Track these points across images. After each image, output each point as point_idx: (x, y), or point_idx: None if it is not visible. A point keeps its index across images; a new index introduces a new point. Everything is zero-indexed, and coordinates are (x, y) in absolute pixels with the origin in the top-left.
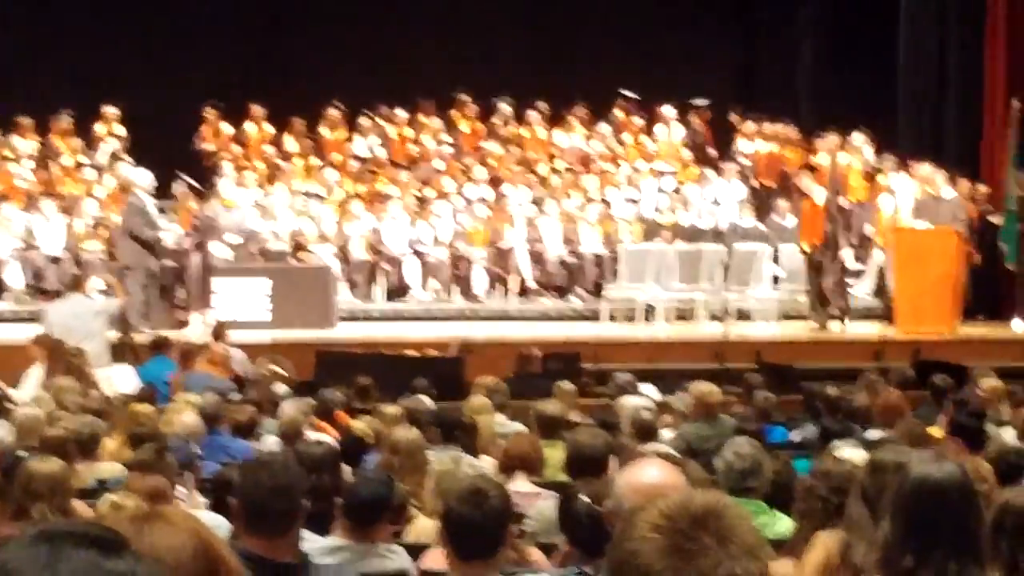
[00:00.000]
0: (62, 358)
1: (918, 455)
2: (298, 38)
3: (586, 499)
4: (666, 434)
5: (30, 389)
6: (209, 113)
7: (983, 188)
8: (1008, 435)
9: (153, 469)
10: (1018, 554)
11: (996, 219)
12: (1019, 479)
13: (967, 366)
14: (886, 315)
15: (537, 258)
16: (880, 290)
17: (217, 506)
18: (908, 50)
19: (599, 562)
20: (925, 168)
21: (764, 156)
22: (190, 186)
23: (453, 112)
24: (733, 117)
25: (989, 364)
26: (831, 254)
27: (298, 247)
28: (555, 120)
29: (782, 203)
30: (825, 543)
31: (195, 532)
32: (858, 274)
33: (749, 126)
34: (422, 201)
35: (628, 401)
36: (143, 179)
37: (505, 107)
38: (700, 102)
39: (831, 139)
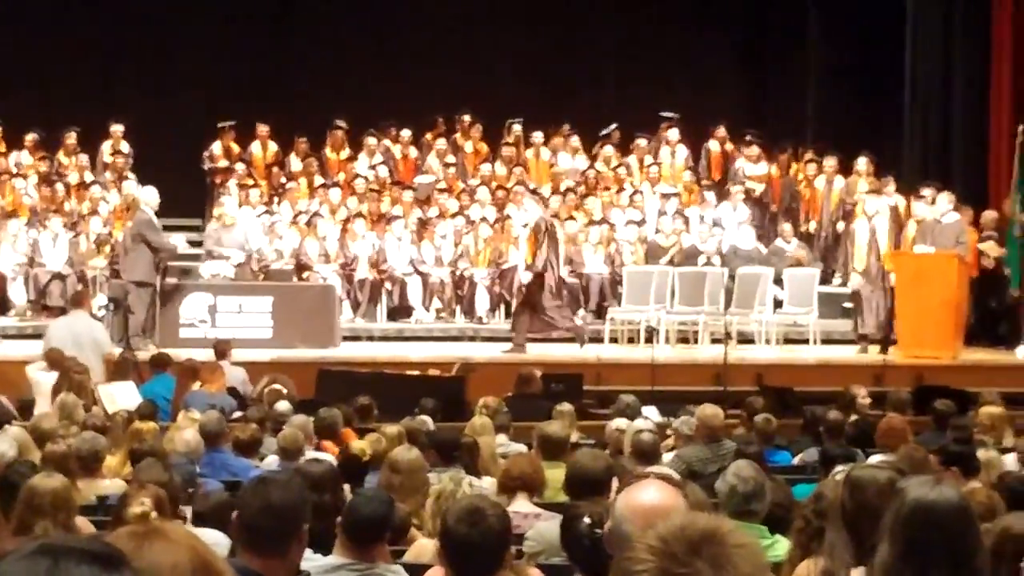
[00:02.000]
0: (67, 374)
1: (916, 479)
2: (303, 57)
3: (587, 520)
4: (666, 456)
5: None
6: (223, 131)
7: (989, 214)
8: (1010, 461)
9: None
10: None
11: (991, 249)
12: None
13: (969, 391)
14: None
15: None
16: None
17: (216, 524)
18: (914, 75)
19: None
20: (926, 192)
21: (767, 179)
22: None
23: (458, 134)
24: (746, 140)
25: (991, 390)
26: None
27: (301, 266)
28: (559, 143)
29: (786, 227)
30: (805, 572)
31: (194, 549)
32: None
33: (753, 149)
34: (425, 221)
35: (617, 423)
36: (150, 196)
37: (517, 128)
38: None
39: (829, 163)
